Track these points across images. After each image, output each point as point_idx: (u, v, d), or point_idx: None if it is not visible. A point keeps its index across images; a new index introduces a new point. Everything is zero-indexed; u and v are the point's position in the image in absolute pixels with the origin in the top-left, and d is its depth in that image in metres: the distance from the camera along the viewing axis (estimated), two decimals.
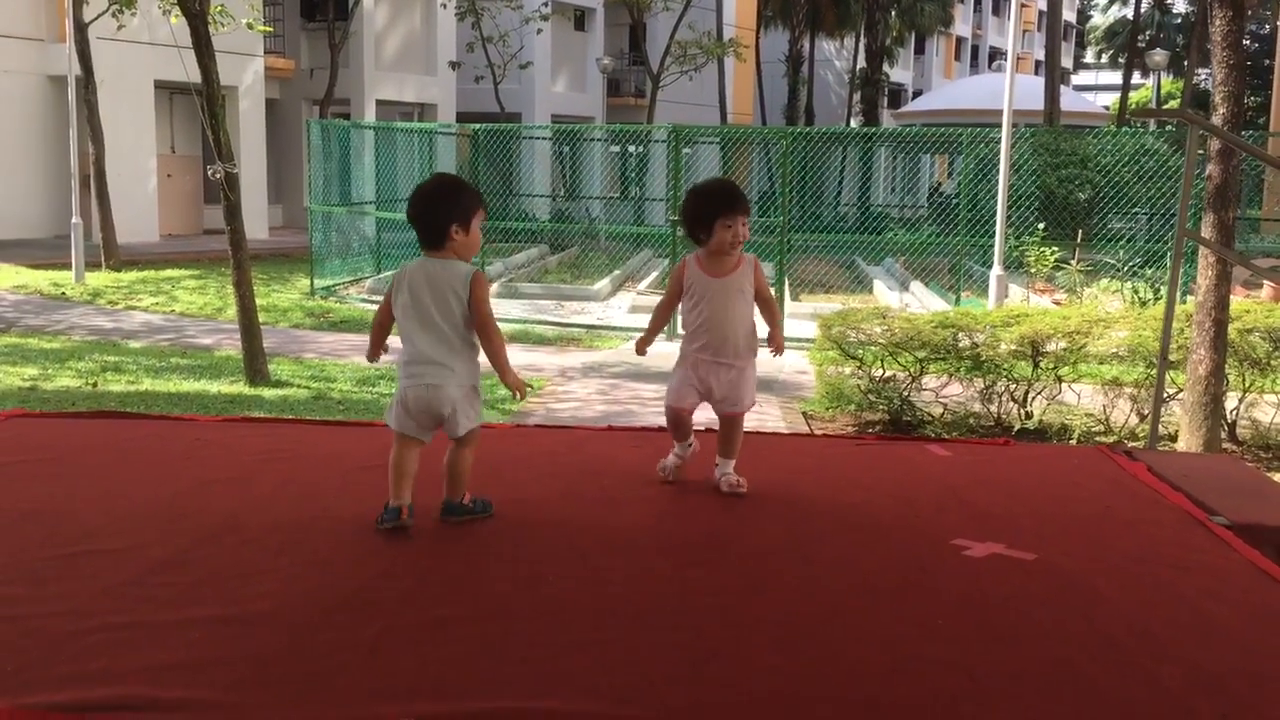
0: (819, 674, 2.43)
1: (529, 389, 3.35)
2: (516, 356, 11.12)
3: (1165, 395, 8.15)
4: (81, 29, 16.99)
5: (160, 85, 22.88)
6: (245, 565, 3.00)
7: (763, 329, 3.81)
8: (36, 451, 3.99)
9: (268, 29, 13.98)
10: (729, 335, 3.69)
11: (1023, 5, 66.79)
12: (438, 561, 3.09)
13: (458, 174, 19.45)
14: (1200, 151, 8.01)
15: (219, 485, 3.69)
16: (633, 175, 26.25)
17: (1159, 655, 2.51)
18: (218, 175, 9.33)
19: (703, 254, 3.73)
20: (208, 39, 9.17)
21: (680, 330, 3.92)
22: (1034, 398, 8.41)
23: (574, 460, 4.15)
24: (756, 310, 3.77)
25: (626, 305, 15.14)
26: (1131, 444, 6.49)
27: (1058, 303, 13.43)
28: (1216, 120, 6.95)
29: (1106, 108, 42.75)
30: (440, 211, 3.28)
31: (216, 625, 2.59)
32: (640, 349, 3.85)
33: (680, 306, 3.82)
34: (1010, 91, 12.12)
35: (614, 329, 13.11)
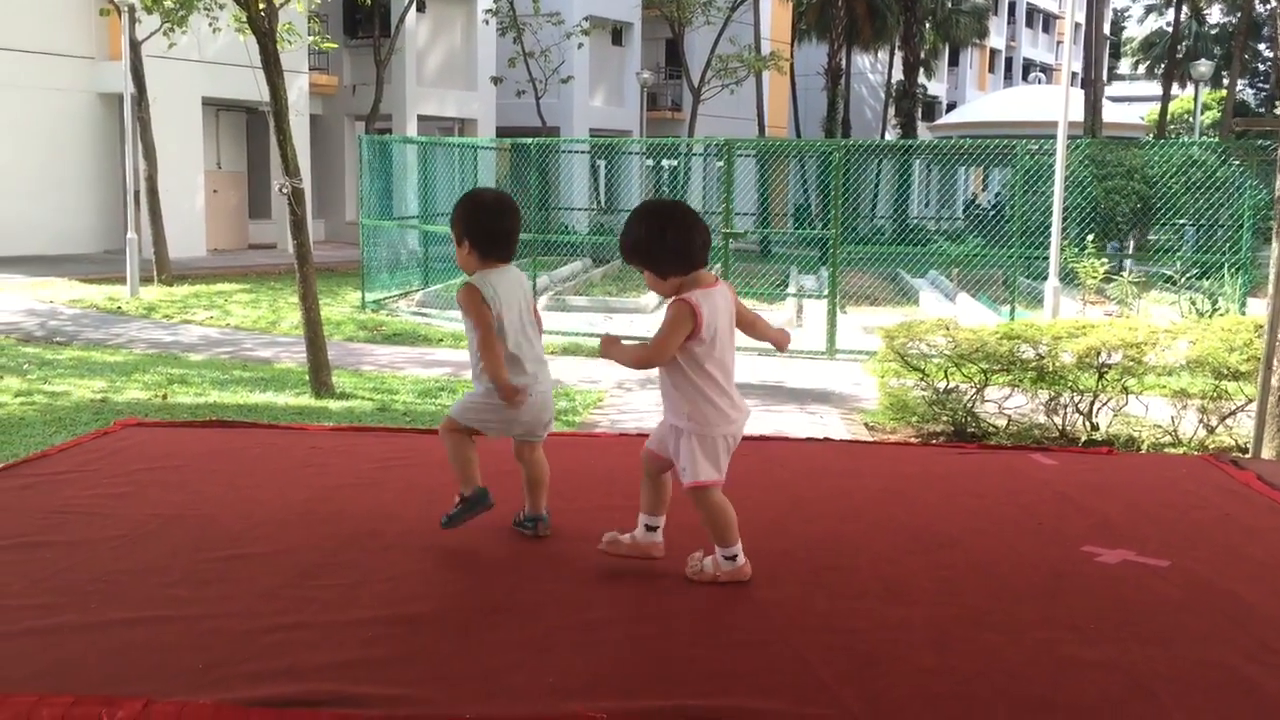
0: (982, 675, 2.47)
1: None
2: (572, 369, 11.19)
3: (1235, 407, 8.16)
4: (135, 47, 17.26)
5: (207, 102, 23.22)
6: (393, 568, 3.08)
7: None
8: (162, 460, 4.09)
9: (333, 45, 14.15)
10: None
11: (1056, 18, 66.28)
12: (576, 565, 3.14)
13: (499, 187, 19.66)
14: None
15: (347, 490, 3.78)
16: (679, 188, 26.34)
17: None
18: (285, 190, 9.46)
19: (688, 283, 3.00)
20: (276, 57, 9.29)
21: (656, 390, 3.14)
22: (1099, 409, 8.40)
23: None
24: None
25: None
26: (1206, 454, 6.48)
27: (1109, 315, 13.39)
28: None
29: (1141, 118, 42.57)
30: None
31: (383, 625, 2.66)
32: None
33: (691, 361, 2.97)
34: (1066, 104, 12.12)
35: None
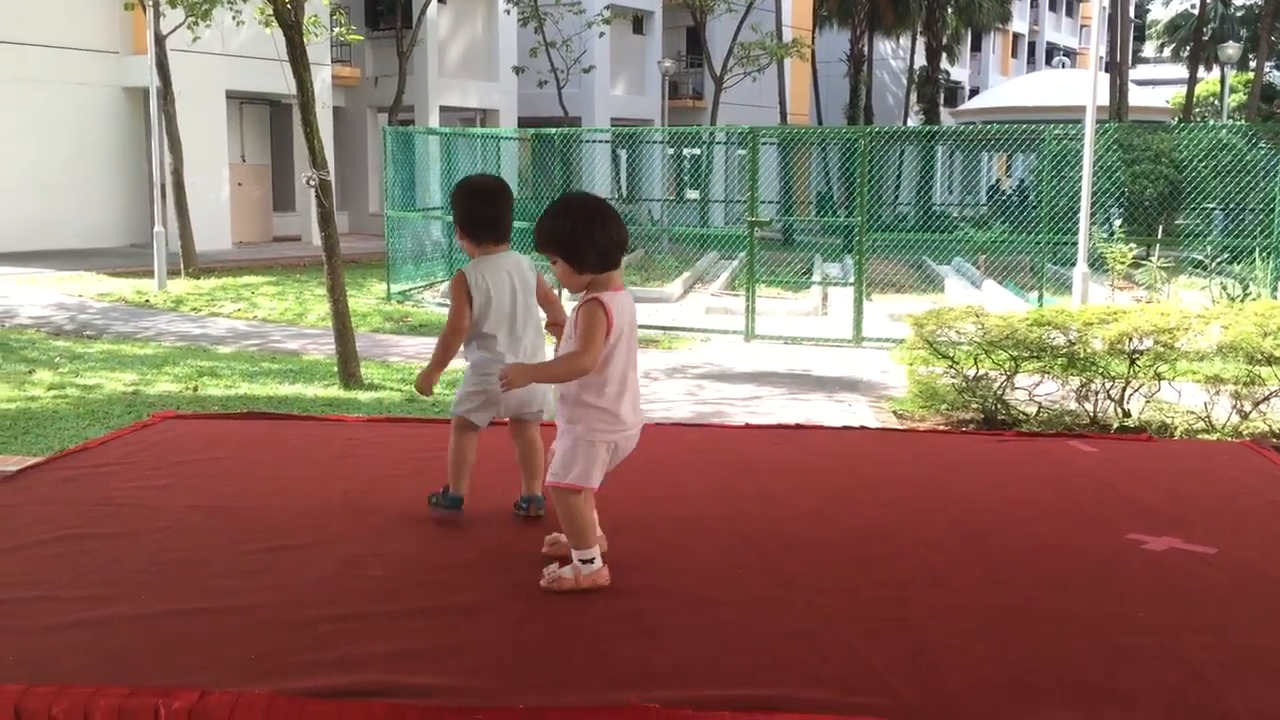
0: (1036, 663, 2.45)
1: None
2: None
3: (1269, 392, 8.08)
4: (160, 41, 17.32)
5: (231, 95, 23.30)
6: (436, 559, 3.08)
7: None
8: (202, 451, 4.11)
9: (358, 37, 14.15)
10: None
11: (1080, 0, 65.58)
12: (620, 555, 3.13)
13: (521, 177, 19.67)
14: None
15: (386, 481, 3.79)
16: (701, 177, 26.29)
17: None
18: (313, 183, 9.48)
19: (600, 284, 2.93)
20: (303, 50, 9.29)
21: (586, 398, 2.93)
22: (1131, 395, 8.33)
23: (720, 458, 4.21)
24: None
25: (701, 306, 15.19)
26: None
27: (1138, 300, 13.28)
28: None
29: (1167, 102, 42.17)
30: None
31: (432, 616, 2.67)
32: None
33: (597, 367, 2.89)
34: (1094, 87, 12.02)
35: (691, 330, 13.17)
